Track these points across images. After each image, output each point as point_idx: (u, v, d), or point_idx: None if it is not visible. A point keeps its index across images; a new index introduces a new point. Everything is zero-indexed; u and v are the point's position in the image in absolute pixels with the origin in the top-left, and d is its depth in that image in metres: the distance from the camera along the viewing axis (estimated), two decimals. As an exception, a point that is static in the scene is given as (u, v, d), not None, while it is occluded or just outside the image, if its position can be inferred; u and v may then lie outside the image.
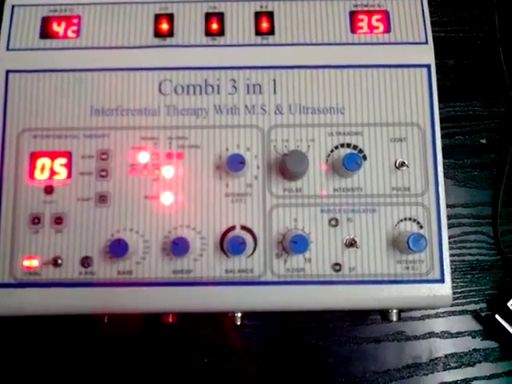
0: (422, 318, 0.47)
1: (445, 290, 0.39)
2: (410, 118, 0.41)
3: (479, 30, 0.53)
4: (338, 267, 0.40)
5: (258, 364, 0.46)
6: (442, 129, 0.43)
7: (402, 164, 0.40)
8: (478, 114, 0.52)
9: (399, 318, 0.41)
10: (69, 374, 0.45)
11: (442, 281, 0.40)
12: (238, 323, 0.41)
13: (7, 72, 0.42)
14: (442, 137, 0.44)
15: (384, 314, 0.42)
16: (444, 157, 0.46)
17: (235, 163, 0.39)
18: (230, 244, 0.38)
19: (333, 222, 0.40)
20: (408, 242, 0.38)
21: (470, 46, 0.53)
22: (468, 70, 0.53)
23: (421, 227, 0.40)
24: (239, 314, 0.41)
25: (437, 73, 0.44)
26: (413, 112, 0.41)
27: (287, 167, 0.38)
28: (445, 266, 0.40)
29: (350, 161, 0.39)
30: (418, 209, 0.40)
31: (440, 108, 0.45)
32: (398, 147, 0.41)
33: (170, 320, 0.41)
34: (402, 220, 0.40)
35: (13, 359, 0.46)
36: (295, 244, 0.38)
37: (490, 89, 0.52)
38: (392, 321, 0.41)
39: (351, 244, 0.40)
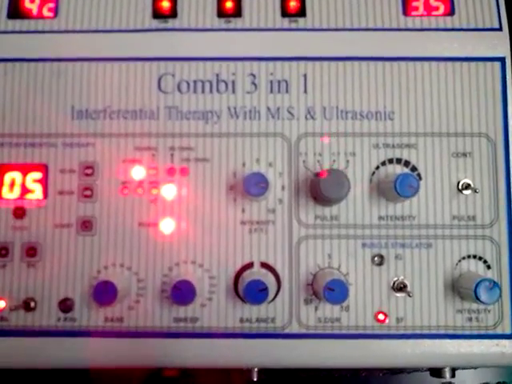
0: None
1: (516, 346, 0.32)
2: (477, 126, 0.33)
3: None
4: (382, 317, 0.32)
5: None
6: None
7: (467, 186, 0.32)
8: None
9: (453, 375, 0.34)
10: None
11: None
12: (255, 379, 0.33)
13: (-32, 61, 0.34)
14: None
15: (436, 370, 0.34)
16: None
17: (254, 185, 0.31)
18: (246, 289, 0.30)
19: (377, 260, 0.32)
20: (476, 291, 0.30)
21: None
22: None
23: (488, 267, 0.32)
24: (256, 369, 0.33)
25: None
26: (481, 119, 0.33)
27: (322, 191, 0.30)
28: (517, 317, 0.32)
29: (404, 184, 0.30)
30: (485, 243, 0.32)
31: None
32: (461, 164, 0.33)
33: (172, 373, 0.34)
34: (464, 258, 0.33)
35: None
36: (331, 292, 0.30)
37: None
38: (445, 379, 0.34)
39: (400, 288, 0.32)
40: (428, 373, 0.35)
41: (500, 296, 0.30)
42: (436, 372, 0.34)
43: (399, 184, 0.30)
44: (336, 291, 0.30)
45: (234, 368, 0.34)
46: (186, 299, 0.30)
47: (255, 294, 0.30)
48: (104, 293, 0.30)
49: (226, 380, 0.38)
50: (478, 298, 0.30)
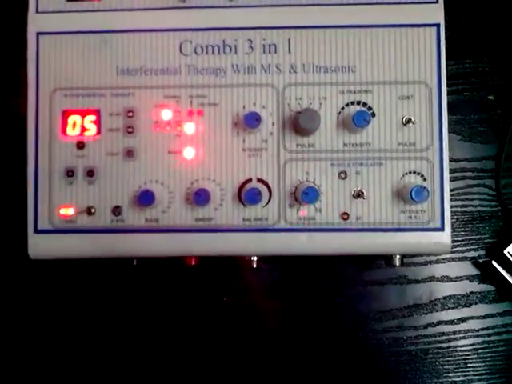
0: (424, 263, 0.51)
1: (444, 237, 0.43)
2: (417, 76, 0.43)
3: (492, -15, 0.54)
4: (345, 216, 0.43)
5: (272, 303, 0.51)
6: (450, 85, 0.45)
7: (409, 121, 0.43)
8: (487, 70, 0.53)
9: (402, 263, 0.45)
10: (99, 311, 0.51)
11: (442, 229, 0.43)
12: (254, 266, 0.45)
13: (38, 34, 0.45)
14: (451, 93, 0.46)
15: (388, 259, 0.45)
16: (451, 113, 0.48)
17: (252, 120, 0.42)
18: (246, 195, 0.42)
19: (342, 175, 0.43)
20: (411, 194, 0.41)
21: (481, 2, 0.53)
22: (478, 26, 0.54)
23: (424, 180, 0.43)
24: (255, 258, 0.45)
25: (448, 29, 0.45)
26: (421, 70, 0.43)
27: (300, 124, 0.41)
28: (445, 216, 0.43)
29: (360, 118, 0.41)
30: (422, 163, 0.43)
31: (449, 65, 0.46)
32: (405, 104, 0.43)
33: (193, 263, 0.46)
34: (406, 173, 0.43)
35: (50, 300, 0.51)
36: (306, 195, 0.41)
37: (501, 46, 0.54)
38: (395, 265, 0.45)
39: (358, 195, 0.43)
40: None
41: (428, 197, 0.42)
42: (388, 260, 0.46)
43: (356, 118, 0.41)
44: (309, 194, 0.42)
45: (239, 257, 0.46)
46: (204, 201, 0.42)
47: (253, 196, 0.42)
48: (146, 197, 0.42)
49: (233, 268, 0.50)
50: (412, 198, 0.41)
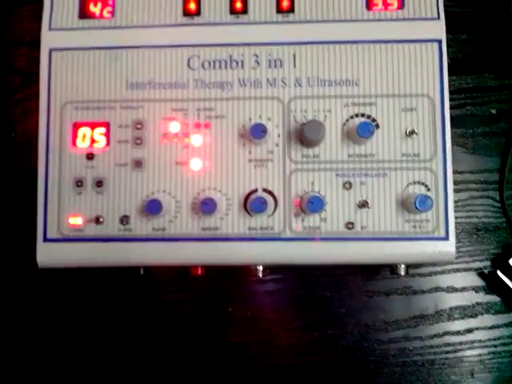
0: (430, 274, 0.51)
1: (449, 246, 0.43)
2: (420, 89, 0.44)
3: (492, 3, 0.55)
4: (350, 226, 0.44)
5: (277, 313, 0.51)
6: (453, 100, 0.46)
7: (412, 132, 0.44)
8: (489, 85, 0.54)
9: (407, 273, 0.46)
10: (106, 321, 0.51)
11: (446, 238, 0.43)
12: (260, 276, 0.46)
13: (50, 51, 0.46)
14: (454, 107, 0.47)
15: (393, 268, 0.46)
16: (455, 126, 0.49)
17: (258, 131, 0.43)
18: (252, 203, 0.43)
19: (347, 186, 0.44)
20: (415, 203, 0.42)
21: (482, 20, 0.55)
22: (480, 43, 0.55)
23: (428, 190, 0.44)
24: (261, 268, 0.45)
25: (450, 46, 0.46)
26: (424, 84, 0.44)
27: (305, 135, 0.42)
28: (449, 225, 0.43)
29: (364, 129, 0.42)
30: (426, 173, 0.44)
31: (452, 80, 0.47)
32: (408, 116, 0.44)
33: (199, 273, 0.46)
34: (410, 183, 0.44)
35: (57, 309, 0.51)
36: (312, 204, 0.42)
37: (502, 62, 0.55)
38: (400, 275, 0.45)
39: (363, 205, 0.43)
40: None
41: (432, 206, 0.42)
42: (393, 270, 0.46)
43: (360, 128, 0.42)
44: (314, 204, 0.42)
45: (244, 268, 0.46)
46: (210, 210, 0.43)
47: (259, 205, 0.42)
48: (153, 206, 0.43)
49: (239, 279, 0.51)
50: (416, 207, 0.42)
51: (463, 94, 0.54)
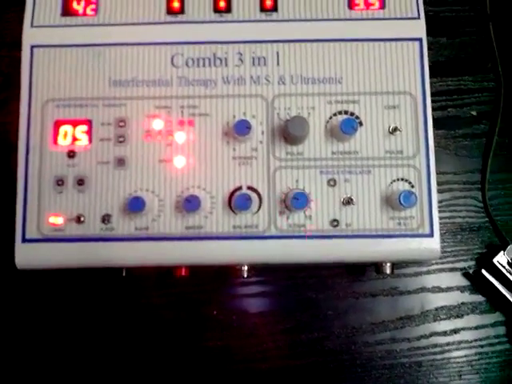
0: (415, 274, 0.51)
1: (433, 243, 0.43)
2: (402, 87, 0.45)
3: (470, 7, 0.56)
4: (335, 223, 0.43)
5: (263, 316, 0.50)
6: (434, 101, 0.47)
7: (395, 129, 0.44)
8: (469, 87, 0.55)
9: (392, 272, 0.45)
10: (85, 322, 0.50)
11: (431, 235, 0.43)
12: (245, 276, 0.45)
13: (32, 47, 0.46)
14: (435, 109, 0.47)
15: (378, 267, 0.45)
16: (437, 128, 0.50)
17: (242, 128, 0.43)
18: (237, 200, 0.42)
19: (331, 183, 0.44)
20: (399, 199, 0.42)
21: (461, 23, 0.56)
22: (460, 46, 0.56)
23: (412, 186, 0.44)
24: (246, 268, 0.45)
25: (430, 49, 0.47)
26: (405, 82, 0.45)
27: (289, 131, 0.42)
28: (434, 222, 0.43)
29: (347, 125, 0.42)
30: (409, 170, 0.44)
31: (433, 82, 0.48)
32: (391, 114, 0.45)
33: (183, 273, 0.45)
34: (394, 180, 0.44)
35: (37, 312, 0.50)
36: (296, 200, 0.42)
37: (481, 64, 0.56)
38: (386, 273, 0.45)
39: (348, 202, 0.43)
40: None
41: (416, 202, 0.42)
42: (378, 269, 0.46)
43: (343, 125, 0.42)
44: (299, 200, 0.42)
45: (229, 268, 0.46)
46: (194, 207, 0.42)
47: (243, 202, 0.42)
48: (136, 203, 0.42)
49: (223, 281, 0.50)
50: (400, 203, 0.42)
51: (444, 96, 0.55)
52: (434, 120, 0.45)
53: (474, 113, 0.55)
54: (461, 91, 0.55)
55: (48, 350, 0.49)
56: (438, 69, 0.55)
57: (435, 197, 0.44)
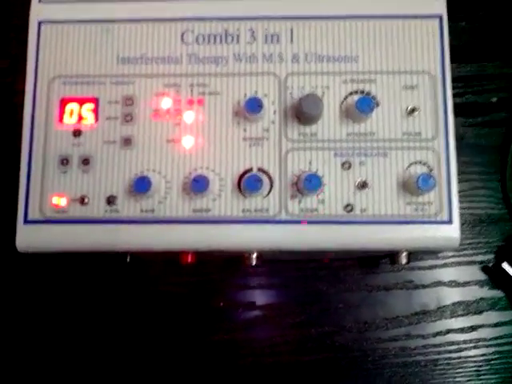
0: (430, 267, 0.49)
1: (453, 231, 0.41)
2: (421, 66, 0.43)
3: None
4: (349, 208, 0.41)
5: (272, 309, 0.48)
6: (453, 88, 0.45)
7: (414, 110, 0.42)
8: (489, 74, 0.53)
9: (408, 262, 0.43)
10: (86, 310, 0.48)
11: (449, 222, 0.41)
12: (254, 264, 0.43)
13: (39, 23, 0.44)
14: (454, 96, 0.45)
15: (393, 257, 0.43)
16: (455, 115, 0.47)
17: (254, 106, 0.41)
18: (247, 182, 0.40)
19: (346, 166, 0.42)
20: (418, 181, 0.39)
21: (481, 7, 0.54)
22: (479, 31, 0.54)
23: (431, 170, 0.42)
24: (254, 255, 0.43)
25: (449, 34, 0.45)
26: (424, 61, 0.43)
27: (303, 110, 0.40)
28: (453, 209, 0.41)
29: (363, 104, 0.40)
30: (428, 153, 0.42)
31: (451, 68, 0.46)
32: (409, 94, 0.42)
33: (189, 260, 0.44)
34: (412, 163, 0.42)
35: (38, 298, 0.48)
36: (309, 182, 0.40)
37: (501, 50, 0.54)
38: (402, 263, 0.43)
39: (363, 186, 0.41)
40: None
41: (435, 186, 0.40)
42: (393, 259, 0.44)
43: (359, 103, 0.41)
44: (312, 182, 0.40)
45: (237, 257, 0.44)
46: (202, 188, 0.40)
47: (253, 183, 0.40)
48: (142, 183, 0.40)
49: (231, 272, 0.48)
50: (418, 187, 0.40)
51: (462, 83, 0.53)
52: (451, 96, 0.43)
53: (493, 100, 0.53)
54: (480, 77, 0.53)
55: (49, 338, 0.48)
56: (457, 54, 0.53)
57: (455, 182, 0.42)
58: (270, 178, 0.42)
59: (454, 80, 0.49)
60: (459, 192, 0.49)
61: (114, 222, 0.42)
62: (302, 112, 0.40)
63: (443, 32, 0.43)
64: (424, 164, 0.42)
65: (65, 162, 0.43)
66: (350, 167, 0.42)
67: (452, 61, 0.44)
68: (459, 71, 0.53)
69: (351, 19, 0.43)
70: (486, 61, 0.53)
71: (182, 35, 0.44)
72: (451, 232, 0.41)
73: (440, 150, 0.42)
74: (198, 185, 0.40)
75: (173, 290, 0.48)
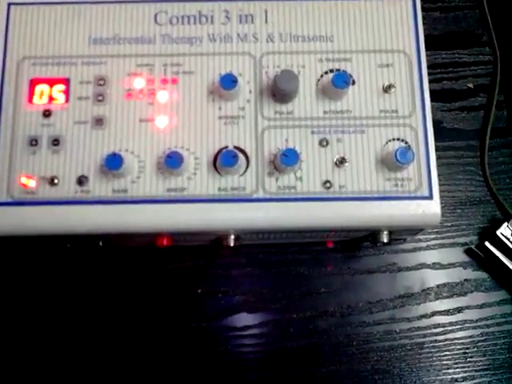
0: (414, 250, 0.48)
1: (433, 206, 0.40)
2: (396, 45, 0.43)
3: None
4: (328, 185, 0.40)
5: (251, 293, 0.47)
6: (429, 74, 0.45)
7: (390, 86, 0.42)
8: (464, 60, 0.54)
9: (389, 241, 0.42)
10: (64, 297, 0.46)
11: (430, 197, 0.40)
12: (231, 245, 0.42)
13: (9, 4, 0.44)
14: (430, 82, 0.46)
15: (375, 236, 0.42)
16: (432, 100, 0.47)
17: (228, 82, 0.40)
18: (222, 157, 0.39)
19: (323, 143, 0.41)
20: (396, 155, 0.39)
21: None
22: (453, 20, 0.55)
23: (409, 147, 0.41)
24: (232, 236, 0.42)
25: (424, 24, 0.45)
26: (399, 39, 0.43)
27: (278, 86, 0.40)
28: (433, 184, 0.41)
29: (339, 79, 0.40)
30: (405, 130, 0.41)
31: (427, 56, 0.46)
32: (385, 72, 0.42)
33: (165, 243, 0.42)
34: (390, 140, 0.41)
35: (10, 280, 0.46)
36: (286, 157, 0.39)
37: (475, 38, 0.54)
38: (382, 242, 0.42)
39: (341, 162, 0.41)
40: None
41: (413, 159, 0.39)
42: (375, 238, 0.43)
43: (335, 79, 0.40)
44: (289, 156, 0.39)
45: (214, 240, 0.42)
46: (176, 164, 0.39)
47: (229, 159, 0.39)
48: (113, 160, 0.39)
49: (209, 257, 0.46)
50: (397, 160, 0.39)
51: (439, 69, 0.53)
52: (429, 93, 0.43)
53: (470, 85, 0.53)
54: (456, 64, 0.53)
55: (26, 328, 0.45)
56: (432, 42, 0.53)
57: (433, 157, 0.41)
58: (246, 156, 0.41)
59: (430, 67, 0.49)
60: (439, 176, 0.49)
61: (85, 203, 0.40)
62: (278, 89, 0.40)
63: (416, 12, 0.44)
64: (402, 141, 0.41)
65: (34, 142, 0.41)
66: (327, 144, 0.41)
67: (427, 49, 0.45)
68: (435, 58, 0.53)
69: (326, -1, 0.43)
70: (460, 48, 0.54)
71: (156, 16, 0.43)
72: (432, 207, 0.40)
73: (417, 127, 0.41)
74: (171, 161, 0.39)
75: (149, 276, 0.46)
